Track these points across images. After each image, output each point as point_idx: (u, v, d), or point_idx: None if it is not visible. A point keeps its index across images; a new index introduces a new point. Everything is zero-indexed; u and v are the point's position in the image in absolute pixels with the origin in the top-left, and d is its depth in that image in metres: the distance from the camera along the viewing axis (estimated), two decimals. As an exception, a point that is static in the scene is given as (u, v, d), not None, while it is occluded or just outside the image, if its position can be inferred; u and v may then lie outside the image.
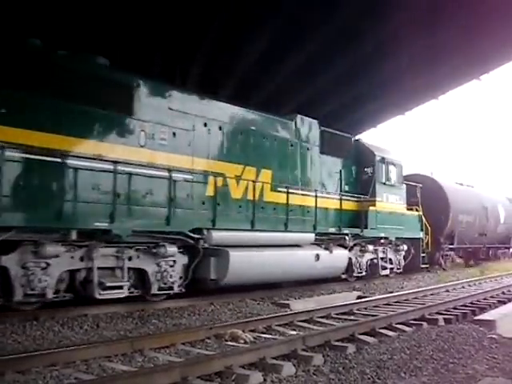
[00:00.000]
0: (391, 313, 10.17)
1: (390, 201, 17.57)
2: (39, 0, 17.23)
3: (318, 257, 14.02)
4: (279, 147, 14.10)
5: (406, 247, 18.35)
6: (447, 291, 14.44)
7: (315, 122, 15.58)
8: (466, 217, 24.72)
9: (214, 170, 12.10)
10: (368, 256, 16.70)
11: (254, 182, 12.73)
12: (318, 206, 14.39)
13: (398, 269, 18.24)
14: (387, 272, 17.49)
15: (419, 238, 19.39)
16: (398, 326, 8.96)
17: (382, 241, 17.33)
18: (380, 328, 8.66)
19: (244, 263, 11.78)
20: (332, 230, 15.04)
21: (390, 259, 17.84)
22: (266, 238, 12.74)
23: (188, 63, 25.00)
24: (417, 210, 19.60)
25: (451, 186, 25.36)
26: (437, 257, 22.52)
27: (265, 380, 5.88)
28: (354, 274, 16.11)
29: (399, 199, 18.25)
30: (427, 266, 20.24)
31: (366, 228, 16.15)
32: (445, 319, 9.74)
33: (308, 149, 15.11)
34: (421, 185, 20.30)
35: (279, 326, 9.01)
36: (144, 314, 9.92)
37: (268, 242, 12.78)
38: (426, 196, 20.63)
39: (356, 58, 23.09)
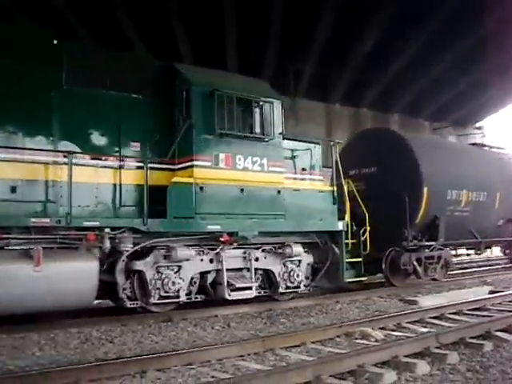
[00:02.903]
0: (530, 308, 9.60)
1: (245, 166, 10.15)
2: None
3: None
4: None
5: (297, 250, 10.87)
6: None
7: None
8: (468, 194, 14.58)
9: None
10: (190, 269, 9.77)
11: None
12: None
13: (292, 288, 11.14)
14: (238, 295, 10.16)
15: (336, 232, 11.53)
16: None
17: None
18: (519, 324, 8.20)
19: None
20: (42, 221, 8.39)
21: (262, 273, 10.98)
22: None
23: (300, 63, 25.27)
24: (335, 185, 11.76)
25: (431, 143, 15.76)
26: (404, 260, 12.96)
27: (399, 379, 5.77)
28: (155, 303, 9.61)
29: (276, 165, 10.57)
30: (364, 278, 12.23)
31: (165, 217, 9.35)
32: None
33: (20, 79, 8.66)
34: (337, 141, 12.39)
35: (409, 323, 8.77)
36: (272, 313, 10.07)
37: None
38: (374, 162, 13.63)
39: (476, 40, 22.14)
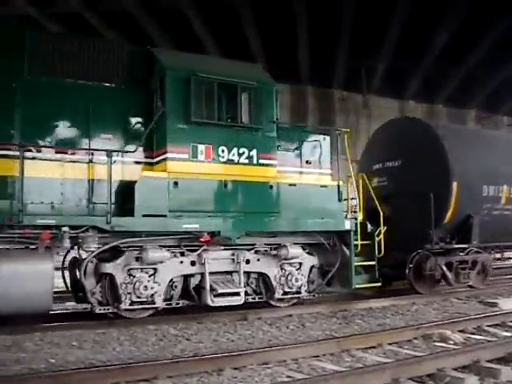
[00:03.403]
0: None
1: (230, 158, 9.09)
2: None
3: None
4: None
5: (295, 251, 9.76)
6: None
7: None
8: (510, 190, 12.55)
9: None
10: (168, 272, 8.92)
11: None
12: None
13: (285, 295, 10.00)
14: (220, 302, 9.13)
15: (345, 232, 10.21)
16: None
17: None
18: None
19: None
20: None
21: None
22: None
23: (372, 60, 24.55)
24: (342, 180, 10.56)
25: (464, 133, 14.45)
26: (430, 265, 11.34)
27: (481, 384, 5.56)
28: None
29: (267, 157, 9.44)
30: (377, 284, 10.60)
31: (132, 214, 8.45)
32: None
33: None
34: (344, 130, 10.73)
35: (490, 326, 8.40)
36: (347, 313, 9.86)
37: None
38: (398, 155, 11.99)
39: None
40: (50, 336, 7.74)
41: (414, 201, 11.46)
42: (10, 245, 7.95)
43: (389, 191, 11.88)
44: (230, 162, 9.18)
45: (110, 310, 8.71)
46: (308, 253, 10.19)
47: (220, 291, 9.04)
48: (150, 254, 8.64)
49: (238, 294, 9.25)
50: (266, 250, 9.79)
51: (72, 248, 8.66)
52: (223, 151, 9.14)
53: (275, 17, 21.30)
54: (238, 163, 9.24)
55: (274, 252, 9.77)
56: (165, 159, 8.76)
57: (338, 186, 10.26)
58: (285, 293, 9.91)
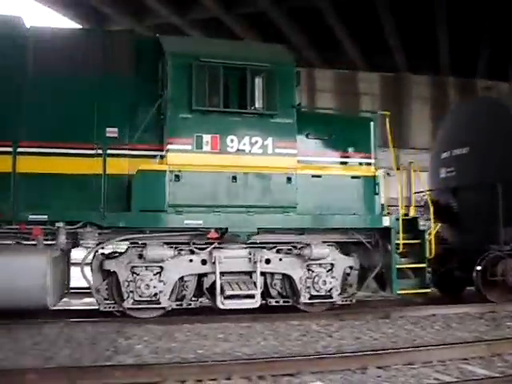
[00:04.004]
0: None
1: (240, 149, 8.32)
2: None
3: None
4: None
5: (320, 251, 8.75)
6: None
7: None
8: None
9: None
10: (175, 271, 8.43)
11: None
12: None
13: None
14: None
15: (385, 229, 8.96)
16: None
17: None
18: None
19: None
20: None
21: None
22: None
23: None
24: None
25: None
26: (501, 269, 9.67)
27: None
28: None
29: (285, 145, 8.49)
30: (426, 290, 9.19)
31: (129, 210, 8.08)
32: None
33: None
34: (382, 113, 9.54)
35: None
36: (496, 315, 9.17)
37: None
38: (466, 142, 10.23)
39: None
40: (199, 328, 7.95)
41: (482, 193, 9.76)
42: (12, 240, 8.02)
43: (457, 183, 10.29)
44: (240, 152, 8.40)
45: (116, 308, 8.45)
46: (343, 253, 9.11)
47: (228, 293, 8.35)
48: (149, 252, 8.22)
49: (252, 296, 8.51)
50: (289, 249, 8.90)
51: (76, 245, 8.48)
52: (232, 141, 8.40)
53: (413, 5, 20.28)
54: (249, 153, 8.43)
55: (298, 251, 8.86)
56: (167, 151, 8.26)
57: (375, 176, 9.03)
58: (312, 296, 8.93)
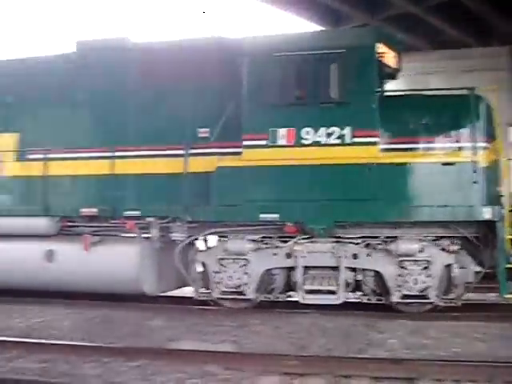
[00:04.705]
0: None
1: (316, 140, 8.04)
2: None
3: (51, 255, 9.09)
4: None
5: (407, 247, 7.95)
6: None
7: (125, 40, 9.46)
8: None
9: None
10: (259, 264, 8.42)
11: None
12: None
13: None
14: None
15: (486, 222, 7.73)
16: None
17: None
18: None
19: None
20: (89, 210, 9.03)
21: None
22: None
23: None
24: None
25: None
26: None
27: None
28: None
29: (365, 134, 7.92)
30: None
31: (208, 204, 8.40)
32: None
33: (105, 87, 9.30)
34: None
35: None
36: None
37: None
38: None
39: None
40: (453, 326, 7.53)
41: None
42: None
43: None
44: (315, 144, 8.17)
45: (209, 298, 8.94)
46: (444, 249, 8.16)
47: (307, 288, 8.21)
48: (230, 245, 8.54)
49: (334, 292, 8.21)
50: (378, 244, 8.32)
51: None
52: (308, 133, 8.20)
53: None
54: (325, 145, 8.15)
55: (387, 246, 8.22)
56: (243, 147, 8.43)
57: (473, 163, 7.87)
58: (405, 296, 8.20)
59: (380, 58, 8.46)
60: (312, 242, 8.42)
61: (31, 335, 7.25)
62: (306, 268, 8.42)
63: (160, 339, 7.12)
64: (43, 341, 6.88)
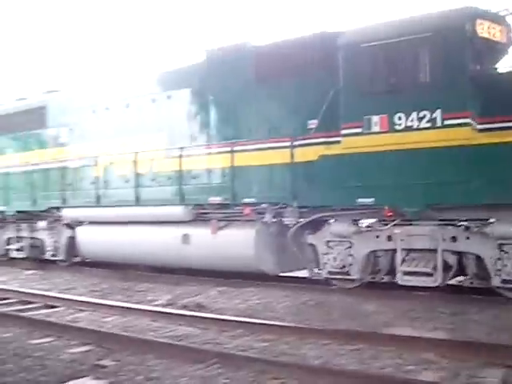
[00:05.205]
0: None
1: (408, 125, 8.24)
2: None
3: (187, 238, 10.46)
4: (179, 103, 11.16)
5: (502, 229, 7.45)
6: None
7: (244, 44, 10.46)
8: None
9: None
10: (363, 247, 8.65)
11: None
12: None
13: None
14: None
15: None
16: None
17: None
18: None
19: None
20: (215, 199, 10.24)
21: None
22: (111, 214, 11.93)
23: None
24: None
25: None
26: None
27: None
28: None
29: (456, 115, 7.78)
30: None
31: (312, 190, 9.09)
32: None
33: (226, 87, 10.43)
34: None
35: None
36: None
37: (115, 218, 11.88)
38: None
39: None
40: None
41: None
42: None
43: None
44: (407, 129, 8.30)
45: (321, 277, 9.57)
46: None
47: (404, 269, 8.42)
48: (334, 228, 9.11)
49: (430, 274, 8.29)
50: (477, 227, 8.15)
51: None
52: (400, 118, 8.37)
53: None
54: (417, 129, 8.23)
55: (485, 229, 8.02)
56: (331, 136, 8.97)
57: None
58: (505, 281, 7.92)
59: (481, 36, 8.24)
60: (411, 224, 8.62)
61: (252, 316, 7.78)
62: (408, 250, 8.64)
63: (374, 324, 7.23)
64: (264, 321, 7.34)
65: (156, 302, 9.09)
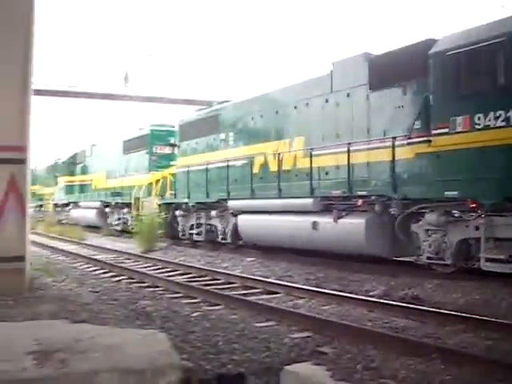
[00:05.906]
0: None
1: (486, 124, 9.12)
2: None
3: (316, 226, 12.25)
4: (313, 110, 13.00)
5: None
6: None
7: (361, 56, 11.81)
8: None
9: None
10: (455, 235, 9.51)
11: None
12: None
13: None
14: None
15: None
16: None
17: None
18: None
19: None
20: (336, 192, 11.91)
21: None
22: (261, 205, 14.32)
23: None
24: None
25: None
26: None
27: None
28: None
29: None
30: None
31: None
32: None
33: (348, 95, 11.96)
34: None
35: None
36: None
37: (264, 208, 14.15)
38: None
39: None
40: None
41: None
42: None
43: None
44: (485, 128, 9.13)
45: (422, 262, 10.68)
46: None
47: (486, 256, 9.22)
48: (428, 218, 10.18)
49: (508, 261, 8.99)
50: None
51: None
52: (479, 119, 9.22)
53: None
54: (493, 127, 9.03)
55: None
56: (425, 135, 10.08)
57: None
58: None
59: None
60: (497, 215, 9.34)
61: (472, 311, 7.46)
62: (494, 240, 9.38)
63: None
64: (487, 318, 6.97)
65: (372, 293, 9.24)
